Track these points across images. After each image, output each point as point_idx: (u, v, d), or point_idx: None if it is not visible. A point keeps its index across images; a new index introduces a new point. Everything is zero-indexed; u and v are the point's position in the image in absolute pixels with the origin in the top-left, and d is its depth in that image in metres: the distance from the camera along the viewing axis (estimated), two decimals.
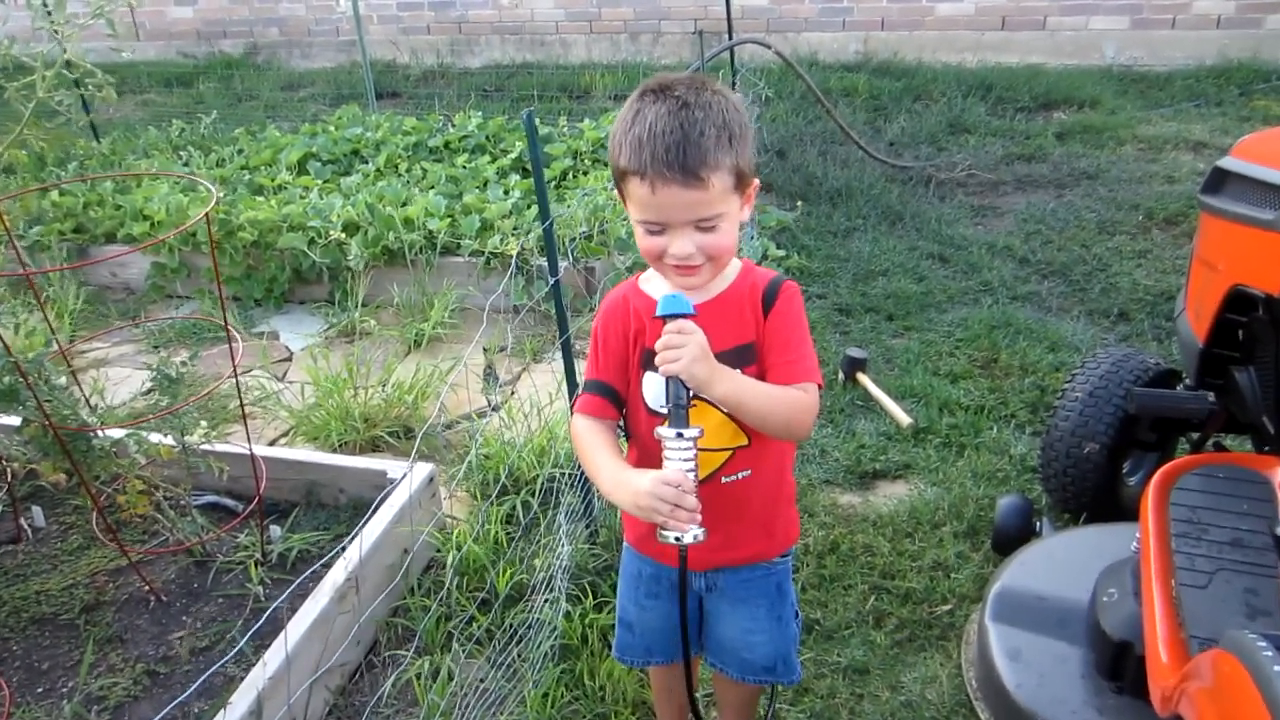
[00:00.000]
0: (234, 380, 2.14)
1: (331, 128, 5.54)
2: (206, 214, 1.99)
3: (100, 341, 3.87)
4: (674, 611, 1.55)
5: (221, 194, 4.52)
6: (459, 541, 2.27)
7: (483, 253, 4.03)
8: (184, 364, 2.16)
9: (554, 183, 4.73)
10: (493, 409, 3.27)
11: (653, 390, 1.41)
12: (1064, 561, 2.11)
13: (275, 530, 2.42)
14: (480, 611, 2.21)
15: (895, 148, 5.71)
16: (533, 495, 2.55)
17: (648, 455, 1.43)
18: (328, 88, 7.88)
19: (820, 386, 1.40)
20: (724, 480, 1.45)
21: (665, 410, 1.39)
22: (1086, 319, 3.83)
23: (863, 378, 3.32)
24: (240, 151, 5.45)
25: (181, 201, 4.31)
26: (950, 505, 2.65)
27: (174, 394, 2.10)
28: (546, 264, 2.14)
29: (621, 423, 1.51)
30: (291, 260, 4.15)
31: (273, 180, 4.84)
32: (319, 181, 4.84)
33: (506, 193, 4.53)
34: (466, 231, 4.13)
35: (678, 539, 1.27)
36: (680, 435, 1.26)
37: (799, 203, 4.90)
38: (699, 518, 1.26)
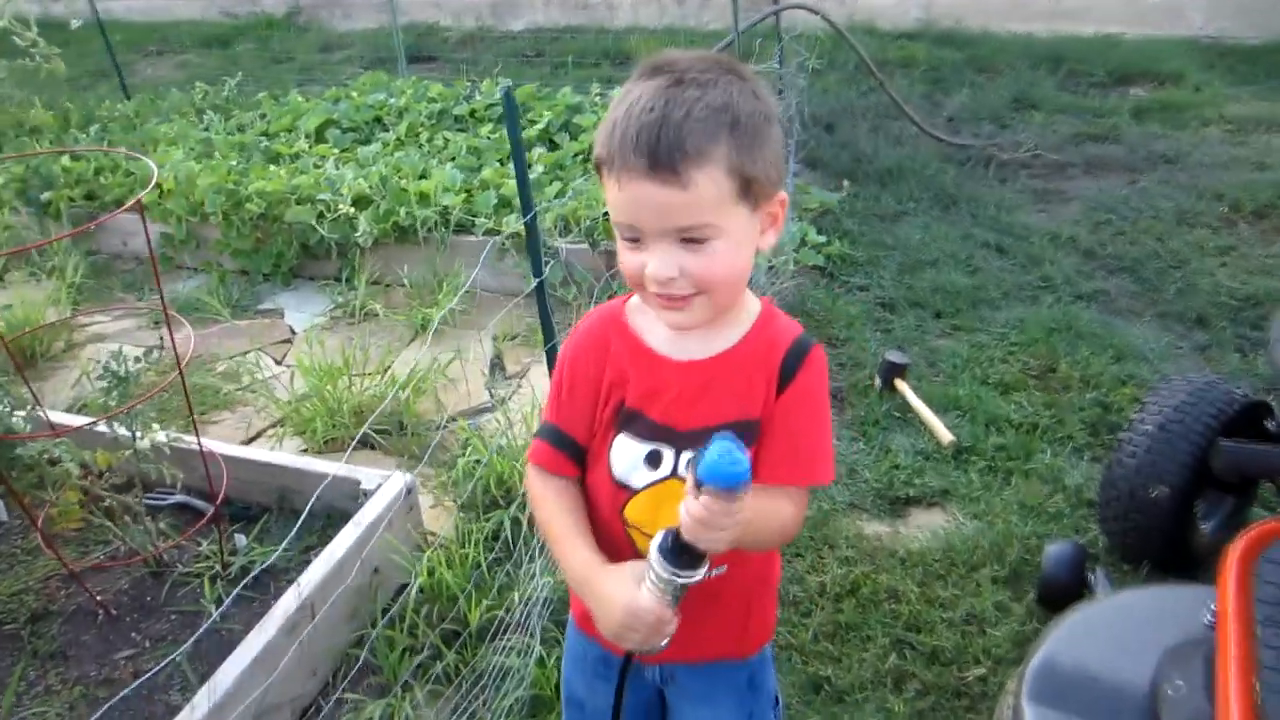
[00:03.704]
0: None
1: (354, 94, 5.31)
2: (139, 201, 1.76)
3: (103, 316, 3.71)
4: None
5: (234, 162, 4.33)
6: (431, 565, 2.04)
7: (498, 231, 3.78)
8: (139, 360, 1.95)
9: (580, 156, 4.44)
10: (496, 403, 3.03)
11: (625, 459, 1.15)
12: (1121, 631, 1.80)
13: (240, 540, 2.22)
14: (449, 646, 1.98)
15: (954, 124, 5.30)
16: (523, 510, 2.31)
17: (608, 532, 1.18)
18: (365, 50, 7.66)
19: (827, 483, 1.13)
20: None
21: (634, 485, 1.14)
22: (1159, 324, 3.45)
23: (902, 385, 3.00)
24: (263, 116, 5.27)
25: (193, 169, 4.13)
26: (991, 544, 2.34)
27: (123, 394, 1.89)
28: (563, 246, 1.87)
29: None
30: (299, 234, 3.95)
31: (290, 148, 4.64)
32: (336, 150, 4.62)
33: (530, 166, 4.26)
34: (482, 209, 3.88)
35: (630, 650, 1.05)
36: (675, 579, 1.00)
37: (845, 182, 4.56)
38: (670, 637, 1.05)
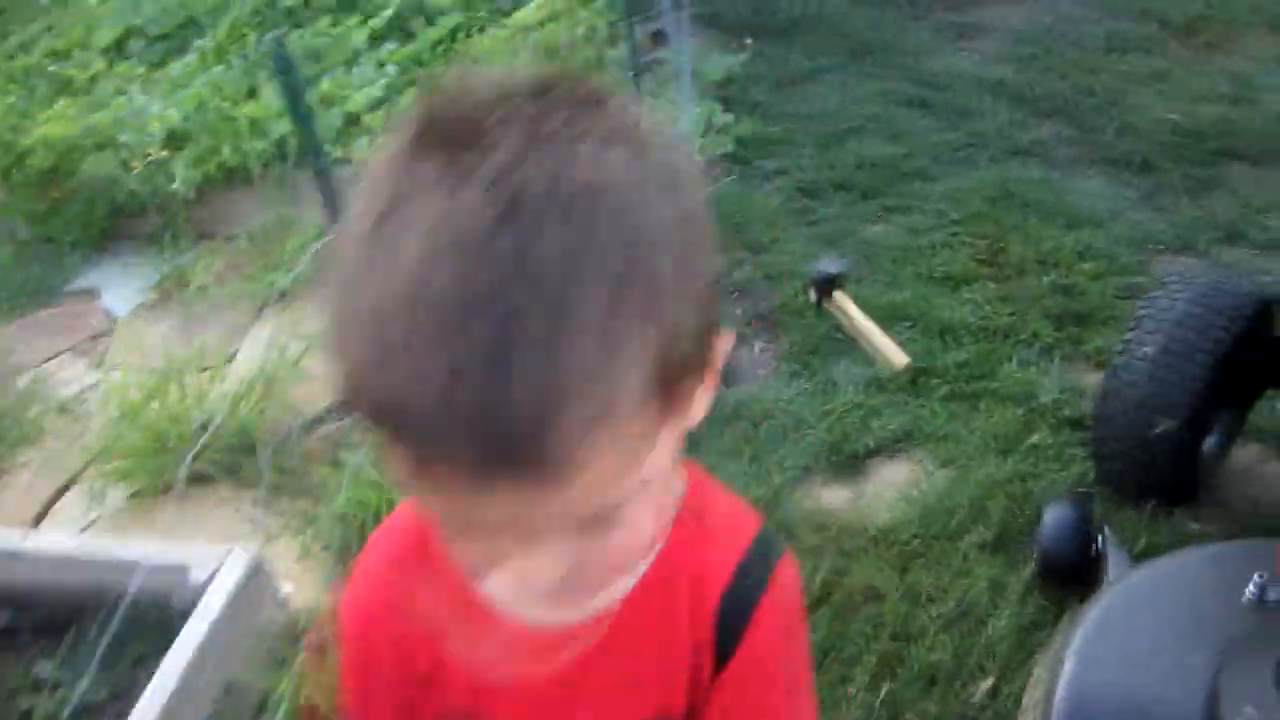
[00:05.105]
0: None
1: None
2: None
3: None
4: None
5: (13, 100, 3.50)
6: (302, 672, 1.60)
7: (349, 162, 3.13)
8: None
9: (440, 46, 3.75)
10: None
11: None
12: (1153, 628, 1.49)
13: (47, 668, 1.72)
14: None
15: None
16: None
17: None
18: None
19: None
20: None
21: None
22: (1103, 173, 3.13)
23: (841, 299, 2.58)
24: (49, 29, 4.31)
25: None
26: (970, 500, 2.00)
27: None
28: None
29: None
30: (104, 188, 3.23)
31: (84, 71, 3.79)
32: (141, 69, 3.79)
33: (381, 66, 3.57)
34: (325, 134, 3.20)
35: None
36: None
37: (748, 40, 3.98)
38: None
